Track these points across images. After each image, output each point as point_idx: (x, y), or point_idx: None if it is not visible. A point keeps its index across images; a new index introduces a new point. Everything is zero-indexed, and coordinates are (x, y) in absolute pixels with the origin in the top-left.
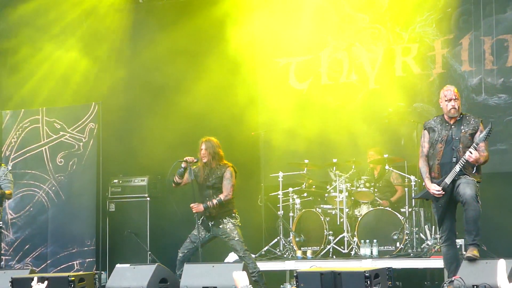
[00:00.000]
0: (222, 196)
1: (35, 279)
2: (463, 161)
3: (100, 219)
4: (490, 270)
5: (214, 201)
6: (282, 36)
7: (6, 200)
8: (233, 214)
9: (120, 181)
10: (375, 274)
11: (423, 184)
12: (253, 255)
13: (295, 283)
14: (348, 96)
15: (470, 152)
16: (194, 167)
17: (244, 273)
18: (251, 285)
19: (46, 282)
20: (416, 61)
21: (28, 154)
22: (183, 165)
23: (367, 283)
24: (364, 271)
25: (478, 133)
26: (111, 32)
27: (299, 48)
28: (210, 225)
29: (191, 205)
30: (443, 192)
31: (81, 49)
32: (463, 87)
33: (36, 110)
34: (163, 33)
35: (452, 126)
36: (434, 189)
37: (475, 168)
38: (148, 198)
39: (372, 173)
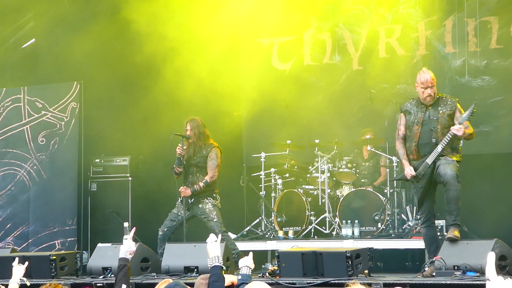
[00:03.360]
0: (208, 178)
1: (16, 259)
2: (446, 139)
3: (81, 198)
4: (471, 251)
5: (201, 184)
6: (265, 17)
7: None
8: (214, 195)
9: (102, 161)
10: (356, 254)
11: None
12: (234, 235)
13: (276, 263)
14: (332, 77)
15: (457, 128)
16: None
17: (217, 244)
18: (221, 257)
19: (26, 263)
20: (400, 42)
21: (9, 133)
22: (178, 155)
23: (348, 263)
24: (346, 251)
25: (457, 113)
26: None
27: (282, 28)
28: (190, 202)
29: (180, 189)
30: (414, 174)
31: (64, 26)
32: (447, 69)
33: (17, 89)
34: (143, 10)
35: (429, 107)
36: (409, 172)
37: (454, 149)
38: (130, 178)
39: (361, 153)
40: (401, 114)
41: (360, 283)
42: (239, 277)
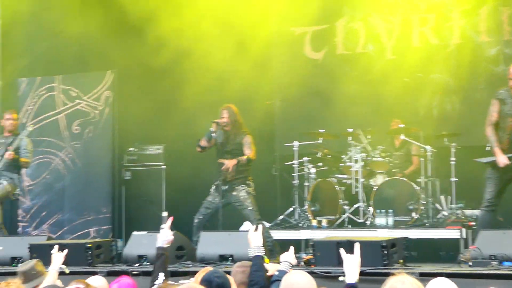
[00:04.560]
0: (250, 155)
1: (56, 247)
2: None
3: (116, 187)
4: (508, 241)
5: (244, 158)
6: (297, 6)
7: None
8: (248, 182)
9: (136, 149)
10: (392, 244)
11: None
12: (268, 224)
13: (311, 252)
14: (365, 66)
15: None
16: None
17: (259, 233)
18: (263, 247)
19: (66, 251)
20: (434, 31)
21: (44, 122)
22: (212, 128)
23: (384, 252)
24: (381, 241)
25: None
26: None
27: (314, 17)
28: (224, 190)
29: (225, 161)
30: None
31: (97, 16)
32: (481, 58)
33: (51, 77)
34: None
35: None
36: (503, 161)
37: None
38: (164, 166)
39: (393, 142)
40: (495, 101)
41: (406, 273)
42: (277, 272)
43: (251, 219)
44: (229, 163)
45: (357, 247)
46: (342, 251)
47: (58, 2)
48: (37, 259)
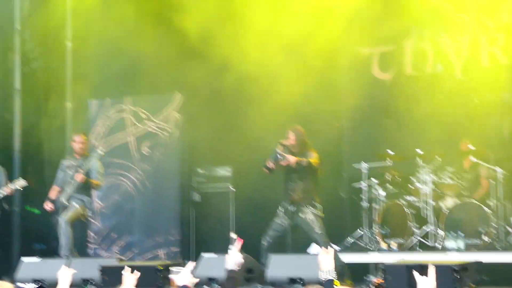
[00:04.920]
0: (312, 159)
1: (127, 268)
2: None
3: (184, 208)
4: None
5: (305, 160)
6: (365, 26)
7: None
8: (314, 203)
9: (205, 171)
10: (464, 268)
11: None
12: (336, 247)
13: (382, 275)
14: (434, 87)
15: None
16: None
17: (331, 257)
18: (334, 270)
19: (137, 273)
20: (503, 51)
21: (114, 144)
22: (278, 149)
23: (456, 276)
24: (453, 265)
25: None
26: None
27: (382, 37)
28: (292, 212)
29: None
30: None
31: (164, 39)
32: None
33: (122, 99)
34: (251, 22)
35: None
36: None
37: None
38: (232, 188)
39: (462, 164)
40: None
41: None
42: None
43: (319, 241)
44: (291, 159)
45: (432, 270)
46: (416, 273)
47: (127, 25)
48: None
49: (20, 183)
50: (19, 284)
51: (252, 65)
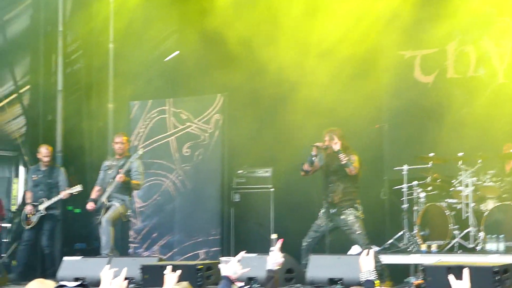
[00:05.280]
0: (354, 164)
1: (169, 268)
2: None
3: (225, 209)
4: None
5: (346, 158)
6: (406, 29)
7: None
8: (356, 205)
9: (245, 172)
10: (504, 270)
11: None
12: (377, 248)
13: (422, 276)
14: (476, 90)
15: None
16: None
17: (371, 258)
18: (375, 271)
19: (179, 271)
20: None
21: (155, 144)
22: (313, 152)
23: (496, 278)
24: (493, 266)
25: None
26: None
27: (424, 41)
28: (332, 213)
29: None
30: None
31: (205, 41)
32: None
33: (163, 100)
34: (289, 26)
35: None
36: None
37: None
38: (272, 189)
39: (504, 167)
40: None
41: None
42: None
43: (359, 243)
44: (335, 146)
45: (466, 273)
46: (451, 277)
47: (169, 27)
48: (187, 281)
49: (77, 188)
50: (61, 282)
51: (292, 68)
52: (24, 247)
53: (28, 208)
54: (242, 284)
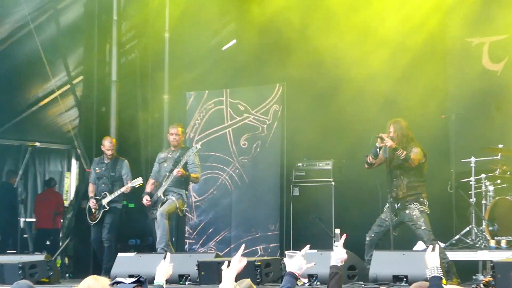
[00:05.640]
0: (412, 156)
1: (226, 263)
2: None
3: (284, 203)
4: None
5: (404, 153)
6: (474, 15)
7: (192, 183)
8: (421, 199)
9: (304, 165)
10: None
11: None
12: (442, 244)
13: (490, 274)
14: None
15: None
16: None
17: (436, 253)
18: (440, 268)
19: (244, 260)
20: None
21: (212, 136)
22: (377, 144)
23: None
24: None
25: None
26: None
27: (493, 27)
28: (397, 207)
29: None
30: None
31: (264, 30)
32: None
33: (220, 91)
34: (350, 17)
35: None
36: None
37: None
38: (333, 183)
39: None
40: None
41: None
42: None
43: (424, 238)
44: (389, 142)
45: None
46: None
47: (226, 15)
48: (249, 278)
49: (139, 181)
50: (117, 279)
51: (350, 57)
52: (96, 245)
53: (91, 203)
54: (306, 281)
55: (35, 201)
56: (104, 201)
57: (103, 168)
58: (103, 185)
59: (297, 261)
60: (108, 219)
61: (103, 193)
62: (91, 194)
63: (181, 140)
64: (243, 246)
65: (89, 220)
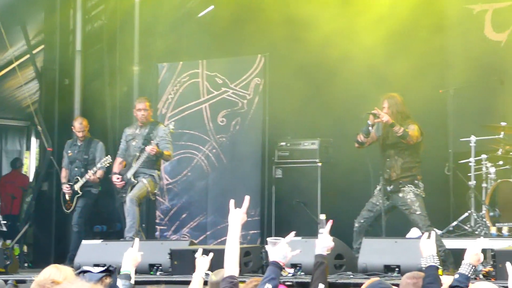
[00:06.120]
0: (410, 132)
1: (200, 250)
2: None
3: (265, 186)
4: None
5: (401, 129)
6: None
7: (164, 162)
8: (416, 181)
9: (288, 144)
10: None
11: None
12: (439, 231)
13: (491, 263)
14: None
15: None
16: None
17: (432, 241)
18: (436, 256)
19: (211, 254)
20: None
21: (186, 112)
22: (369, 121)
23: None
24: None
25: None
26: None
27: None
28: (389, 190)
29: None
30: None
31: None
32: None
33: (195, 62)
34: None
35: None
36: None
37: None
38: (319, 164)
39: None
40: None
41: None
42: (456, 276)
43: (419, 225)
44: (385, 118)
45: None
46: (508, 265)
47: None
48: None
49: (106, 160)
50: (85, 267)
51: (340, 27)
52: (76, 234)
53: (65, 188)
54: (292, 271)
55: None
56: (76, 186)
57: (76, 151)
58: (76, 169)
59: (281, 249)
60: (80, 203)
61: (75, 178)
62: (63, 180)
63: (149, 115)
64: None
65: (65, 209)
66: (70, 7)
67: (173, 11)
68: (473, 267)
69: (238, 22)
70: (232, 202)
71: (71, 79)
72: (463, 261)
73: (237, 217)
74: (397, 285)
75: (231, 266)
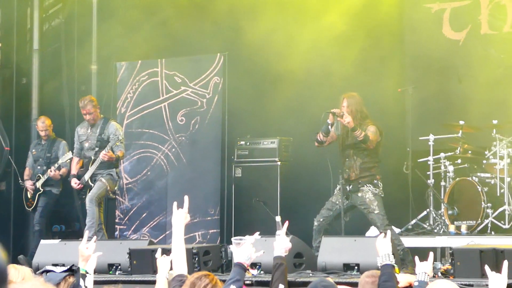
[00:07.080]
0: (370, 136)
1: (159, 250)
2: None
3: (225, 185)
4: None
5: (362, 134)
6: None
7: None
8: (375, 181)
9: (248, 143)
10: None
11: None
12: (398, 230)
13: (449, 261)
14: None
15: None
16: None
17: (388, 240)
18: (393, 254)
19: (172, 254)
20: None
21: (145, 111)
22: (329, 120)
23: None
24: None
25: None
26: None
27: None
28: (348, 190)
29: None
30: None
31: None
32: None
33: (154, 61)
34: None
35: None
36: None
37: None
38: (279, 163)
39: None
40: None
41: None
42: (416, 283)
43: (378, 224)
44: (347, 119)
45: (505, 265)
46: (487, 268)
47: None
48: None
49: (67, 156)
50: (47, 267)
51: (301, 27)
52: (37, 233)
53: (28, 184)
54: (255, 272)
55: None
56: (38, 184)
57: (39, 149)
58: (38, 167)
59: (245, 250)
60: (41, 203)
61: (37, 176)
62: (26, 178)
63: (97, 114)
64: None
65: (26, 207)
66: (27, 5)
67: (132, 9)
68: (427, 275)
69: (197, 20)
70: (175, 204)
71: (28, 78)
72: (416, 269)
73: (180, 217)
74: (356, 283)
75: (179, 265)
